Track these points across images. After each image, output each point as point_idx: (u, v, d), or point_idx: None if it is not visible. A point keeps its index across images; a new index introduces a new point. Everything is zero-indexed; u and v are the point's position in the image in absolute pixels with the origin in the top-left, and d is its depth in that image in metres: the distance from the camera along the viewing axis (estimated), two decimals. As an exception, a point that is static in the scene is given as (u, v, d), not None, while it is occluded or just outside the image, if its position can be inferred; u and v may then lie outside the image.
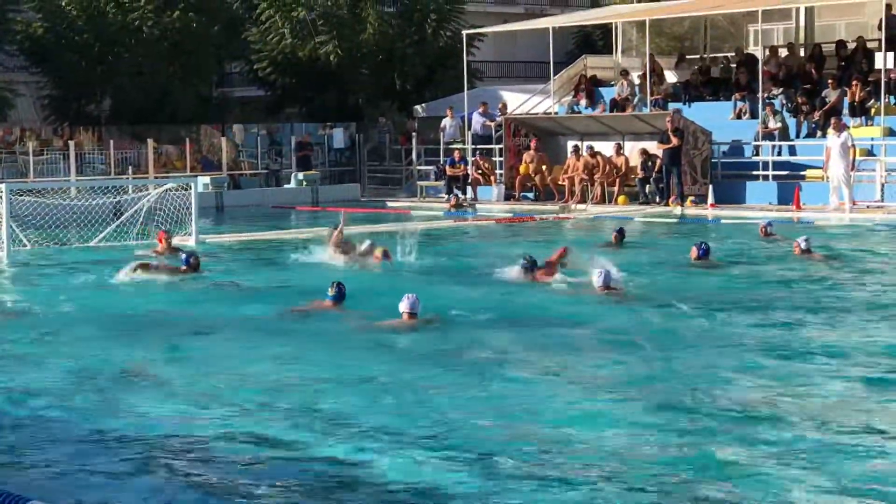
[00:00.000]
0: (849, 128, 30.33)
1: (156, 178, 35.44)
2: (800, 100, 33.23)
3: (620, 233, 23.34)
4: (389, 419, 10.22)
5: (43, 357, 13.40)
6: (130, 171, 37.31)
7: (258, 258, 23.07)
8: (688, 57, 40.36)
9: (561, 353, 13.15)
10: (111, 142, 38.37)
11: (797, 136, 32.87)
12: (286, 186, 38.87)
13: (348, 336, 14.21)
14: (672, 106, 34.81)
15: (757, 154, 32.79)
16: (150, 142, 38.20)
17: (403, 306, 14.36)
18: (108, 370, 12.55)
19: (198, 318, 15.77)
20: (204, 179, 35.56)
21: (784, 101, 33.73)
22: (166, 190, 26.49)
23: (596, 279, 16.67)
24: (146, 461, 9.21)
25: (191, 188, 25.88)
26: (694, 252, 19.89)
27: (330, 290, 15.40)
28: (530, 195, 35.37)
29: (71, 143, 37.51)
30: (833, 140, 29.40)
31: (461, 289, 17.81)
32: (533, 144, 35.38)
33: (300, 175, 38.73)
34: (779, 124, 32.66)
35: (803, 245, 20.47)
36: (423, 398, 11.05)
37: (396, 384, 11.64)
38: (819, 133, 32.12)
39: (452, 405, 10.70)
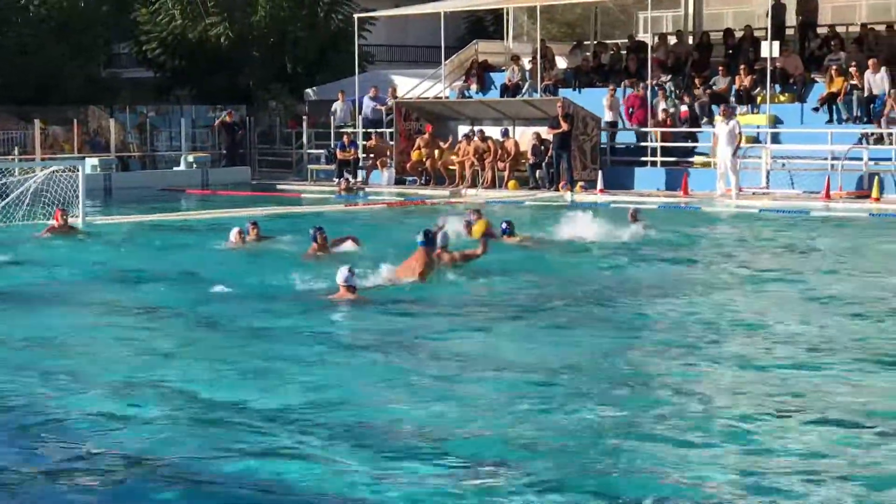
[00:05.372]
0: (736, 115, 30.78)
1: (42, 159, 34.95)
2: (697, 81, 33.53)
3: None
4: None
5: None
6: (16, 151, 36.72)
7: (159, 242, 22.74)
8: (583, 43, 40.62)
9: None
10: (-4, 122, 37.75)
11: (685, 123, 33.23)
12: (176, 169, 38.50)
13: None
14: (562, 92, 35.03)
15: (645, 140, 33.16)
16: (37, 122, 37.58)
17: (340, 278, 14.29)
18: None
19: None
20: (92, 161, 35.15)
21: (672, 88, 34.12)
22: (53, 171, 26.13)
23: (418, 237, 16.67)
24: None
25: (78, 170, 25.57)
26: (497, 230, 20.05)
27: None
28: (420, 179, 35.35)
29: (-45, 123, 36.86)
30: (721, 127, 29.82)
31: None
32: (428, 129, 35.33)
33: (190, 157, 38.42)
34: (672, 108, 33.08)
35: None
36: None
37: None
38: (705, 120, 32.63)
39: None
